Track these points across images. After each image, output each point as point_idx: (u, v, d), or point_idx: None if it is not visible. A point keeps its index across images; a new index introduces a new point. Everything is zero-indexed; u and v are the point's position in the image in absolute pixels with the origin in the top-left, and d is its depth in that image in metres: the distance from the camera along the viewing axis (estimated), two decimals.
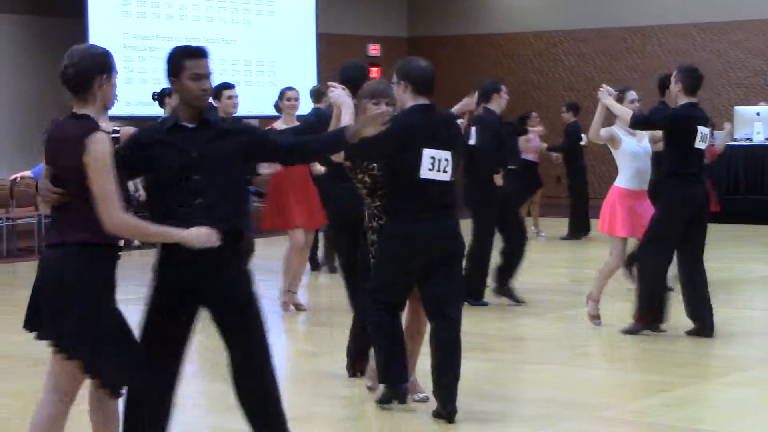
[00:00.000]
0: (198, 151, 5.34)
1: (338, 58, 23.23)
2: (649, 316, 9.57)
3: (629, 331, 9.62)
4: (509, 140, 11.86)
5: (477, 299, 11.25)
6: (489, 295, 11.35)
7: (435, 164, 6.76)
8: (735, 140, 18.57)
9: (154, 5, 19.97)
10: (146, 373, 5.23)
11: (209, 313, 5.46)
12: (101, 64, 5.14)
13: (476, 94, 10.27)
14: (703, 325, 9.49)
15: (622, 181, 9.83)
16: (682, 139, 9.37)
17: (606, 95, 9.55)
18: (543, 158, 17.86)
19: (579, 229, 17.50)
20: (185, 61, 5.39)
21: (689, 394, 7.87)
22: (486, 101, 11.29)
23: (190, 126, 5.42)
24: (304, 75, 20.53)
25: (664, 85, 12.01)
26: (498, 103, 11.25)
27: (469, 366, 8.20)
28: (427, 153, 6.75)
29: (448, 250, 6.90)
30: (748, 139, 19.13)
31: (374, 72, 24.66)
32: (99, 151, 4.97)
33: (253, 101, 18.67)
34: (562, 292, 12.31)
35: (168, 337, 5.41)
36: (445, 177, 6.81)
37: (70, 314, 5.02)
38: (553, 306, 11.41)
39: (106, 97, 5.16)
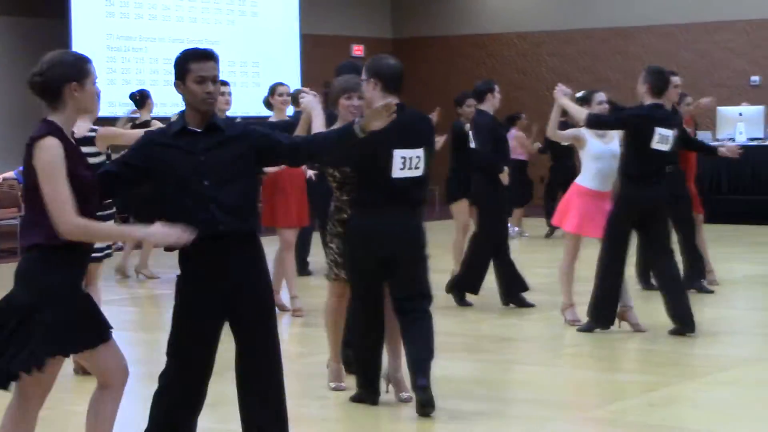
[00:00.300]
0: (206, 155, 5.32)
1: (322, 59, 23.31)
2: (600, 314, 9.68)
3: (583, 329, 9.75)
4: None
5: (462, 298, 11.31)
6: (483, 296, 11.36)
7: (406, 163, 6.86)
8: (717, 140, 18.63)
9: (137, 6, 19.93)
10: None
11: (230, 318, 5.50)
12: (72, 72, 5.05)
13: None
14: (682, 322, 9.51)
15: (583, 180, 9.94)
16: (637, 140, 9.45)
17: (561, 95, 9.63)
18: (532, 158, 18.00)
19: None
20: (190, 64, 5.37)
21: (673, 393, 7.88)
22: (479, 102, 11.35)
23: (198, 130, 5.41)
24: (287, 75, 20.49)
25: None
26: (491, 103, 11.28)
27: (454, 366, 8.22)
28: (398, 153, 6.84)
29: (410, 251, 7.04)
30: (730, 139, 19.16)
31: None
32: (43, 158, 4.89)
33: (236, 102, 18.57)
34: (546, 292, 12.30)
35: (196, 346, 5.48)
36: (417, 173, 6.93)
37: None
38: (537, 306, 11.41)
39: (80, 104, 5.06)
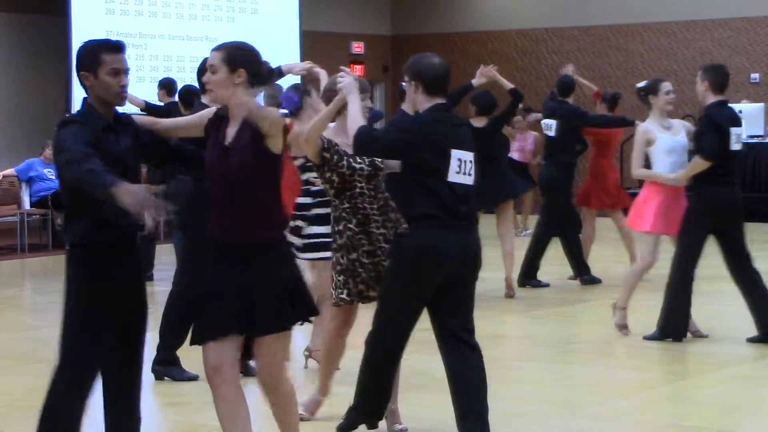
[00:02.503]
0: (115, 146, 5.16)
1: (322, 56, 23.27)
2: (672, 325, 9.34)
3: (650, 338, 9.39)
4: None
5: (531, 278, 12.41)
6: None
7: (461, 166, 6.03)
8: None
9: (137, 3, 19.92)
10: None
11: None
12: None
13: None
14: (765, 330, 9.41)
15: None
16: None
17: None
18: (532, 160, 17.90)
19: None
20: (103, 55, 5.15)
21: (674, 391, 7.88)
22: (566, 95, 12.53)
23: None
24: None
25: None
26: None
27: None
28: (455, 154, 6.01)
29: (471, 269, 6.15)
30: None
31: (357, 70, 24.69)
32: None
33: None
34: (544, 289, 12.32)
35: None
36: (469, 180, 6.07)
37: None
38: (538, 303, 11.42)
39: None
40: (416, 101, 6.19)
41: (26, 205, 16.79)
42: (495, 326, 10.35)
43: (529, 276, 12.44)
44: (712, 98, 9.27)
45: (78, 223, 5.09)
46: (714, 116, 9.20)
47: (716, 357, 8.89)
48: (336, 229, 6.62)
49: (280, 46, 21.73)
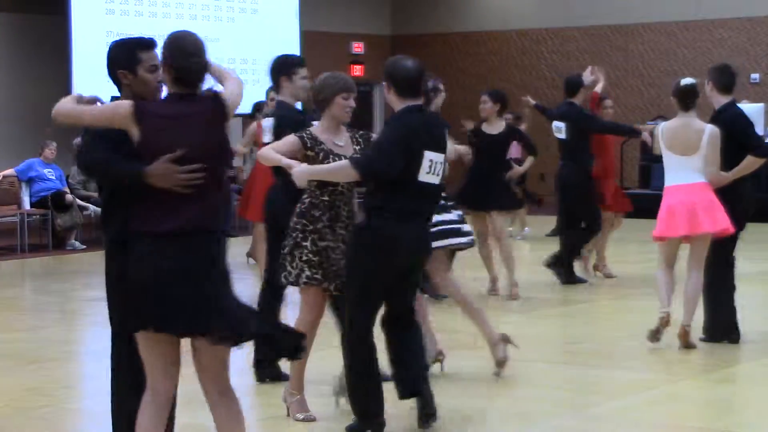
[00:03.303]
0: None
1: (322, 56, 23.30)
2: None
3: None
4: None
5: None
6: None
7: (432, 167, 6.38)
8: None
9: (137, 3, 19.92)
10: None
11: None
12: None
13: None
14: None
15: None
16: (735, 142, 9.02)
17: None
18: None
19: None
20: (140, 53, 5.28)
21: (674, 391, 7.88)
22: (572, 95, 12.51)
23: None
24: None
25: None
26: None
27: (457, 364, 8.21)
28: (427, 156, 6.35)
29: (423, 260, 6.69)
30: None
31: (357, 70, 24.70)
32: None
33: None
34: (547, 290, 12.31)
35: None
36: (436, 180, 6.43)
37: None
38: (539, 304, 11.41)
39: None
40: (390, 102, 6.50)
41: (26, 205, 16.78)
42: (500, 327, 10.33)
43: (570, 276, 12.48)
44: (720, 99, 9.17)
45: (116, 219, 5.17)
46: (740, 114, 9.14)
47: (716, 357, 8.88)
48: (311, 214, 6.74)
49: (280, 46, 21.68)
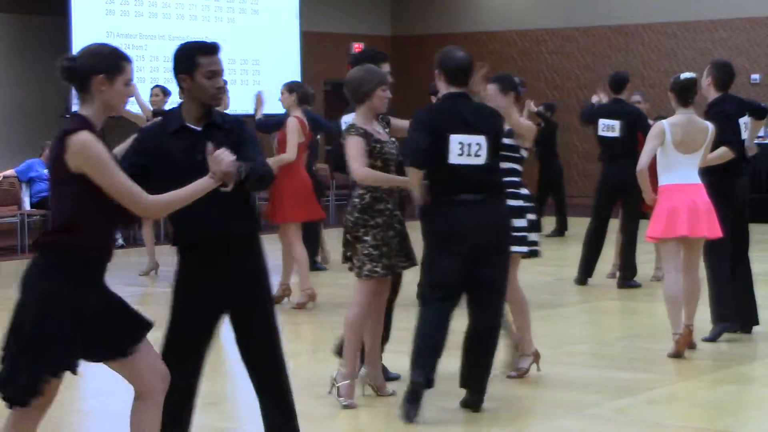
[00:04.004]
0: (203, 155, 5.07)
1: (322, 57, 23.31)
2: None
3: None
4: None
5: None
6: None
7: (464, 149, 6.83)
8: None
9: (137, 4, 19.93)
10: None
11: (230, 310, 5.51)
12: (102, 64, 4.87)
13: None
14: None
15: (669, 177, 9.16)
16: (731, 133, 9.29)
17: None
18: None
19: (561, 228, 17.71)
20: (199, 57, 5.29)
21: (674, 391, 7.88)
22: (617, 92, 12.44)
23: (198, 129, 5.35)
24: (288, 73, 20.51)
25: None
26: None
27: (453, 364, 8.21)
28: (455, 138, 6.83)
29: (490, 240, 6.93)
30: None
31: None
32: (87, 153, 4.71)
33: (237, 100, 18.61)
34: (545, 290, 12.30)
35: (190, 340, 5.47)
36: (478, 161, 6.87)
37: None
38: (539, 304, 11.40)
39: (107, 100, 4.87)
40: (440, 88, 7.09)
41: (26, 205, 16.79)
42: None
43: (626, 278, 12.36)
44: (714, 94, 9.23)
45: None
46: (724, 109, 9.19)
47: (716, 357, 8.88)
48: (373, 209, 7.15)
49: (280, 46, 21.75)
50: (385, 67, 7.74)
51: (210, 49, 5.30)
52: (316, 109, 11.68)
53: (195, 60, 5.26)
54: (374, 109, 7.23)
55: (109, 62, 4.89)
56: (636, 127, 12.20)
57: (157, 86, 14.27)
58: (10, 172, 17.05)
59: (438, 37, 25.23)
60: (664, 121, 8.82)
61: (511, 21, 24.75)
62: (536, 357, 8.18)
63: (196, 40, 5.45)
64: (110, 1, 19.52)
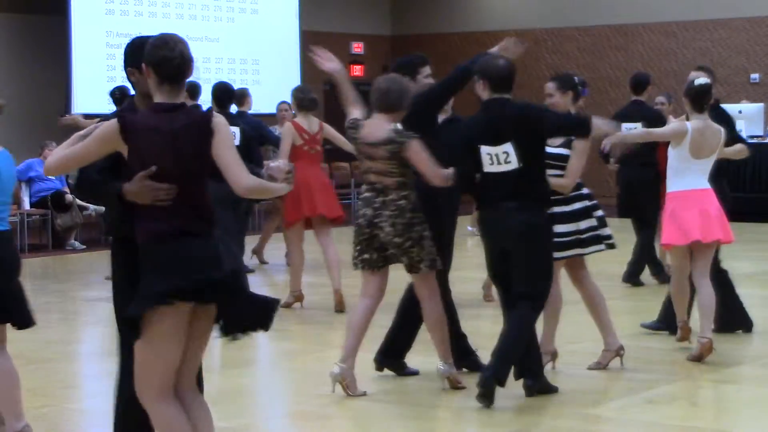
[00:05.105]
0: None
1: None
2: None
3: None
4: None
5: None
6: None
7: (494, 159, 7.17)
8: None
9: (137, 3, 19.92)
10: None
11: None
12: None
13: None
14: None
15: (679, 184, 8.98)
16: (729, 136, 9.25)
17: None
18: None
19: None
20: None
21: (673, 391, 7.87)
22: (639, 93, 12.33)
23: None
24: (287, 73, 20.52)
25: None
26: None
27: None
28: (484, 150, 7.19)
29: (516, 242, 7.20)
30: None
31: (357, 70, 24.69)
32: (226, 128, 5.09)
33: None
34: None
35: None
36: (509, 167, 7.15)
37: None
38: None
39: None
40: (482, 96, 7.28)
41: (26, 205, 16.79)
42: (495, 326, 10.32)
43: (634, 275, 12.37)
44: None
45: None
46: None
47: (716, 357, 8.88)
48: (420, 205, 7.45)
49: (280, 46, 21.73)
50: (425, 71, 7.95)
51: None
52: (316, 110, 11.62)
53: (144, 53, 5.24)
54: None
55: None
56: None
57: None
58: None
59: (438, 37, 25.25)
60: (689, 123, 8.57)
61: (511, 21, 24.74)
62: (554, 356, 8.24)
63: (147, 35, 5.45)
64: (110, 1, 19.51)
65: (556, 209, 7.78)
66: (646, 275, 12.49)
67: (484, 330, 10.22)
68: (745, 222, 17.82)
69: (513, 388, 7.89)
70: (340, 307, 10.84)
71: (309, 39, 22.43)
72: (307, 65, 22.08)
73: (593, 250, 8.10)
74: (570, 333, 9.95)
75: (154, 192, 4.97)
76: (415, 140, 7.24)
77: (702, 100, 8.55)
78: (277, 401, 7.47)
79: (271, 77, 20.87)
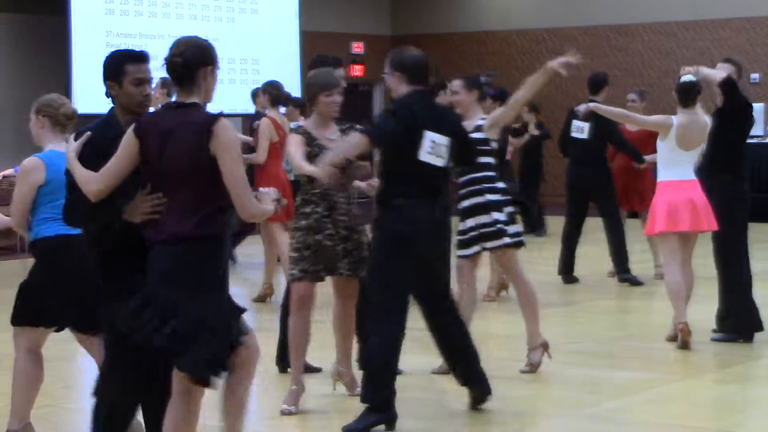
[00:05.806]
0: None
1: None
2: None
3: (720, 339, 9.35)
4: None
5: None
6: None
7: (434, 148, 6.72)
8: None
9: (137, 3, 19.91)
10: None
11: None
12: (207, 56, 5.16)
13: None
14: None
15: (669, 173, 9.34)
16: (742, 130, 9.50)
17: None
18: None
19: (540, 226, 17.55)
20: (127, 65, 5.34)
21: (673, 391, 7.88)
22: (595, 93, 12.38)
23: None
24: (287, 73, 20.50)
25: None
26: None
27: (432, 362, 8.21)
28: (429, 136, 6.71)
29: (440, 243, 6.99)
30: None
31: (357, 70, 24.70)
32: (232, 138, 5.02)
33: (236, 99, 18.67)
34: (543, 290, 12.29)
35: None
36: (440, 162, 6.77)
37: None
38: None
39: (209, 89, 5.16)
40: (398, 90, 6.84)
41: None
42: (495, 326, 10.34)
43: (623, 271, 12.46)
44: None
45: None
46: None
47: (716, 357, 8.89)
48: (300, 211, 7.10)
49: (280, 46, 21.73)
50: (338, 72, 7.79)
51: (138, 57, 5.40)
52: None
53: (123, 68, 5.33)
54: (322, 115, 7.18)
55: (210, 53, 5.20)
56: (605, 131, 12.11)
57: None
58: (9, 172, 16.95)
59: (438, 37, 25.24)
60: (674, 117, 9.07)
61: (511, 21, 24.75)
62: (545, 347, 8.24)
63: (127, 49, 5.49)
64: (110, 1, 19.50)
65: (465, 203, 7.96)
66: (644, 277, 12.49)
67: (492, 329, 10.25)
68: (753, 222, 17.83)
69: (512, 388, 7.89)
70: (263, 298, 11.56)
71: (309, 39, 22.47)
72: (307, 65, 22.08)
73: (503, 243, 8.00)
74: (568, 333, 9.96)
75: (140, 208, 5.06)
76: (291, 133, 7.29)
77: (686, 97, 9.04)
78: (277, 401, 7.46)
79: (271, 77, 20.80)
